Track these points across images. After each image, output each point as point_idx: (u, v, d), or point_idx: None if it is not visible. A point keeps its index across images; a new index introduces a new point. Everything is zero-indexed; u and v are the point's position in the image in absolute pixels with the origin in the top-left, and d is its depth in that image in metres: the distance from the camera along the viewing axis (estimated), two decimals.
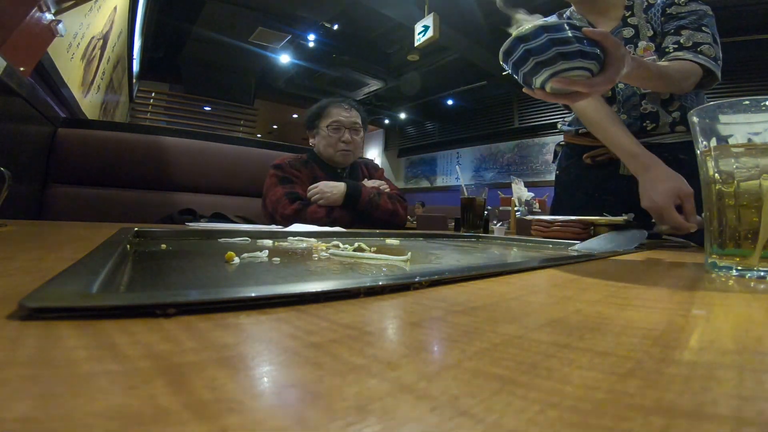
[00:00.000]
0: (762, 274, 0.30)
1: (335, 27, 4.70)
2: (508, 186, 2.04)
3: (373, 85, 6.13)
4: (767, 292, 0.26)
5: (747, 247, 0.31)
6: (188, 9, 4.42)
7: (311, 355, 0.12)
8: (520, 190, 1.84)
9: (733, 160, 0.33)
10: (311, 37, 4.96)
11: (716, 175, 0.34)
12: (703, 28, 0.83)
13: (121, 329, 0.13)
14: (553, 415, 0.08)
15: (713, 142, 0.34)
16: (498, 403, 0.09)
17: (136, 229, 0.50)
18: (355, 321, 0.15)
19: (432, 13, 3.55)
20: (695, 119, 0.35)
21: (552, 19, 0.53)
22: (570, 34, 0.51)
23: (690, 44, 0.81)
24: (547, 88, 0.54)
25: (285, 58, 5.46)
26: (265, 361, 0.11)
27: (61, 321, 0.13)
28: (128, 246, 0.37)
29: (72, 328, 0.13)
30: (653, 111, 0.92)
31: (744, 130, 0.32)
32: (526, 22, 0.53)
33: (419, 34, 3.71)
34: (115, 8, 2.16)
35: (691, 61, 0.79)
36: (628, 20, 0.92)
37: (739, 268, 0.32)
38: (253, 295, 0.17)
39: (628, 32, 0.91)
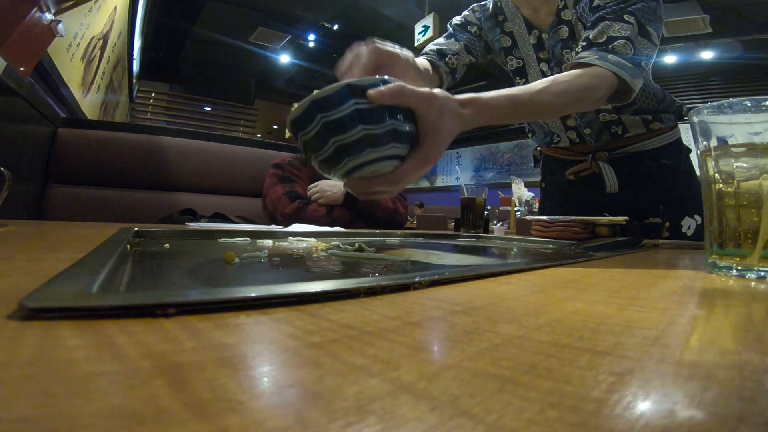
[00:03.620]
0: (762, 274, 0.30)
1: (335, 27, 4.70)
2: (508, 186, 2.04)
3: None
4: (767, 292, 0.26)
5: (747, 247, 0.31)
6: (188, 9, 4.42)
7: (311, 355, 0.12)
8: (520, 190, 1.85)
9: (733, 160, 0.33)
10: (311, 37, 4.96)
11: (716, 175, 0.34)
12: (627, 16, 0.62)
13: (121, 329, 0.13)
14: (553, 415, 0.08)
15: (713, 142, 0.34)
16: (498, 403, 0.09)
17: (136, 229, 0.50)
18: (355, 321, 0.15)
19: (432, 13, 3.56)
20: (695, 119, 0.35)
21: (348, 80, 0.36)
22: (358, 104, 0.35)
23: (602, 39, 0.61)
24: (348, 187, 0.41)
25: (285, 58, 5.47)
26: (265, 361, 0.11)
27: (61, 321, 0.13)
28: (128, 246, 0.37)
29: (72, 328, 0.13)
30: (614, 118, 0.83)
31: (744, 130, 0.32)
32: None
33: (419, 34, 3.71)
34: (115, 8, 2.16)
35: (595, 65, 0.58)
36: (562, 14, 0.76)
37: (739, 268, 0.32)
38: (253, 295, 0.17)
39: (563, 31, 0.77)
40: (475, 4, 0.90)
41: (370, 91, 0.35)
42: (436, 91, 0.40)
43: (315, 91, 0.36)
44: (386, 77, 0.37)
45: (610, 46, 0.60)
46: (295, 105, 0.37)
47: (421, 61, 0.78)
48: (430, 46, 0.86)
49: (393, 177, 0.39)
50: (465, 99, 0.44)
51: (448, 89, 0.82)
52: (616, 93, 0.60)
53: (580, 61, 0.60)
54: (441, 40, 0.88)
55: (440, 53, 0.84)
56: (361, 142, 0.35)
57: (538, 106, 0.53)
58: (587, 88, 0.57)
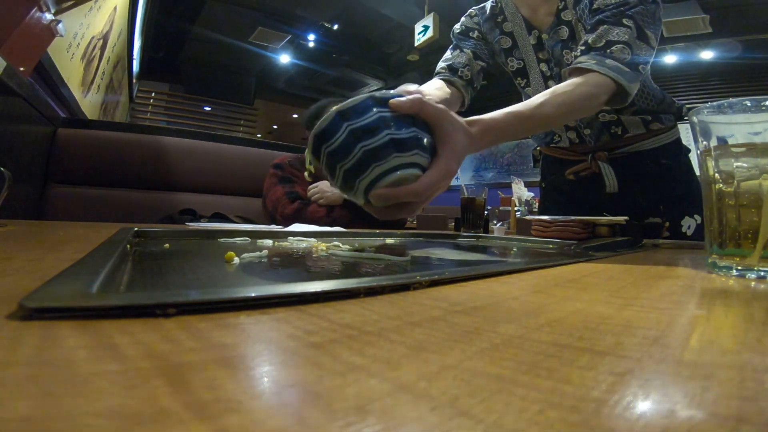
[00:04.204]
0: (762, 274, 0.30)
1: (335, 27, 4.69)
2: (508, 186, 2.04)
3: (373, 85, 6.13)
4: (767, 292, 0.26)
5: (747, 247, 0.31)
6: (188, 9, 4.42)
7: (311, 355, 0.12)
8: (520, 190, 1.85)
9: (733, 160, 0.33)
10: (311, 37, 4.96)
11: (716, 175, 0.34)
12: (626, 20, 0.62)
13: (121, 329, 0.13)
14: (553, 415, 0.08)
15: (713, 142, 0.34)
16: (498, 403, 0.09)
17: (136, 229, 0.50)
18: (355, 321, 0.15)
19: (432, 13, 3.55)
20: (695, 119, 0.35)
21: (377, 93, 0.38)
22: (382, 112, 0.36)
23: (601, 44, 0.61)
24: (372, 199, 0.40)
25: (285, 58, 5.46)
26: (265, 361, 0.11)
27: (61, 321, 0.13)
28: (128, 246, 0.37)
29: (72, 328, 0.13)
30: (613, 119, 0.83)
31: (744, 130, 0.32)
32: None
33: (419, 34, 3.71)
34: (115, 8, 2.16)
35: (593, 71, 0.59)
36: (562, 15, 0.76)
37: (739, 268, 0.32)
38: (253, 295, 0.17)
39: (563, 32, 0.77)
40: (472, 9, 0.90)
41: (393, 101, 0.38)
42: (448, 110, 0.42)
43: (336, 106, 0.38)
44: (402, 92, 0.41)
45: (608, 50, 0.61)
46: (319, 121, 0.38)
47: (440, 84, 0.81)
48: (441, 64, 0.87)
49: (417, 187, 0.39)
50: (470, 119, 0.46)
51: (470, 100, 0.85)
52: (613, 96, 0.61)
53: (578, 66, 0.61)
54: (448, 54, 0.89)
55: (451, 69, 0.85)
56: (387, 147, 0.37)
57: (541, 120, 0.54)
58: (586, 97, 0.58)
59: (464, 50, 0.87)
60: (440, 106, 0.41)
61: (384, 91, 0.39)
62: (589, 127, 0.86)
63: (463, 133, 0.42)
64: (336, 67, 5.56)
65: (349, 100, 0.38)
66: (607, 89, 0.59)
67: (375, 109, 0.37)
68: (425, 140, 0.39)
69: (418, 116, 0.39)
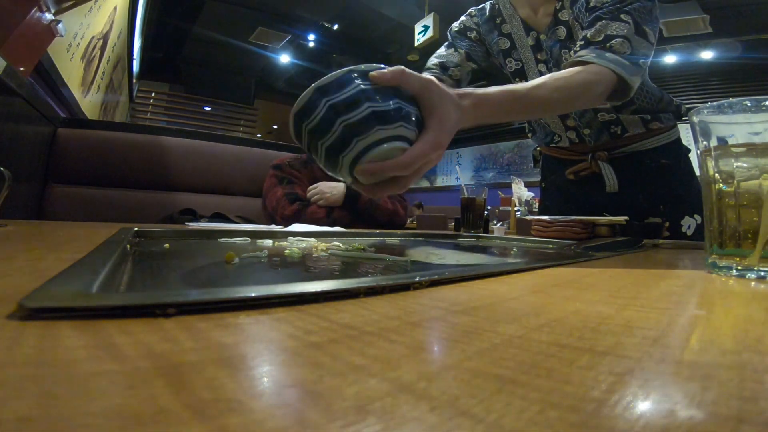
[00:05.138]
0: (762, 274, 0.30)
1: (335, 27, 4.70)
2: (508, 186, 2.04)
3: None
4: (767, 292, 0.26)
5: (747, 247, 0.31)
6: (188, 9, 4.42)
7: (311, 355, 0.12)
8: (520, 190, 1.84)
9: (733, 160, 0.33)
10: (311, 37, 4.96)
11: (716, 175, 0.34)
12: (623, 16, 0.62)
13: (121, 329, 0.13)
14: (553, 415, 0.08)
15: (713, 142, 0.34)
16: (498, 403, 0.09)
17: (136, 229, 0.50)
18: (355, 321, 0.15)
19: (432, 13, 3.56)
20: (695, 119, 0.35)
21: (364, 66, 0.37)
22: (363, 85, 0.35)
23: (600, 38, 0.61)
24: (358, 175, 0.38)
25: (285, 58, 5.47)
26: (265, 361, 0.11)
27: (61, 321, 0.13)
28: (128, 246, 0.37)
29: (72, 328, 0.13)
30: (612, 118, 0.83)
31: (744, 130, 0.32)
32: None
33: (419, 34, 3.71)
34: (115, 8, 2.16)
35: (593, 63, 0.58)
36: (560, 15, 0.77)
37: (739, 268, 0.32)
38: (253, 295, 0.17)
39: (561, 32, 0.77)
40: (473, 9, 0.90)
41: (373, 73, 0.36)
42: (435, 80, 0.41)
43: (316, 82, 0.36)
44: (383, 65, 0.39)
45: (608, 44, 0.61)
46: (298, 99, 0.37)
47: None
48: (433, 60, 0.87)
49: (404, 159, 0.37)
50: (462, 91, 0.45)
51: None
52: (614, 91, 0.61)
53: (578, 59, 0.61)
54: (442, 51, 0.89)
55: (443, 66, 0.86)
56: (369, 120, 0.35)
57: (535, 101, 0.52)
58: (585, 84, 0.57)
59: (459, 50, 0.87)
60: (425, 75, 0.39)
61: (366, 64, 0.38)
62: (589, 126, 0.86)
63: (452, 104, 0.41)
64: (336, 67, 5.56)
65: (329, 75, 0.36)
66: (606, 80, 0.59)
67: (355, 83, 0.36)
68: (411, 112, 0.38)
69: (402, 89, 0.38)
